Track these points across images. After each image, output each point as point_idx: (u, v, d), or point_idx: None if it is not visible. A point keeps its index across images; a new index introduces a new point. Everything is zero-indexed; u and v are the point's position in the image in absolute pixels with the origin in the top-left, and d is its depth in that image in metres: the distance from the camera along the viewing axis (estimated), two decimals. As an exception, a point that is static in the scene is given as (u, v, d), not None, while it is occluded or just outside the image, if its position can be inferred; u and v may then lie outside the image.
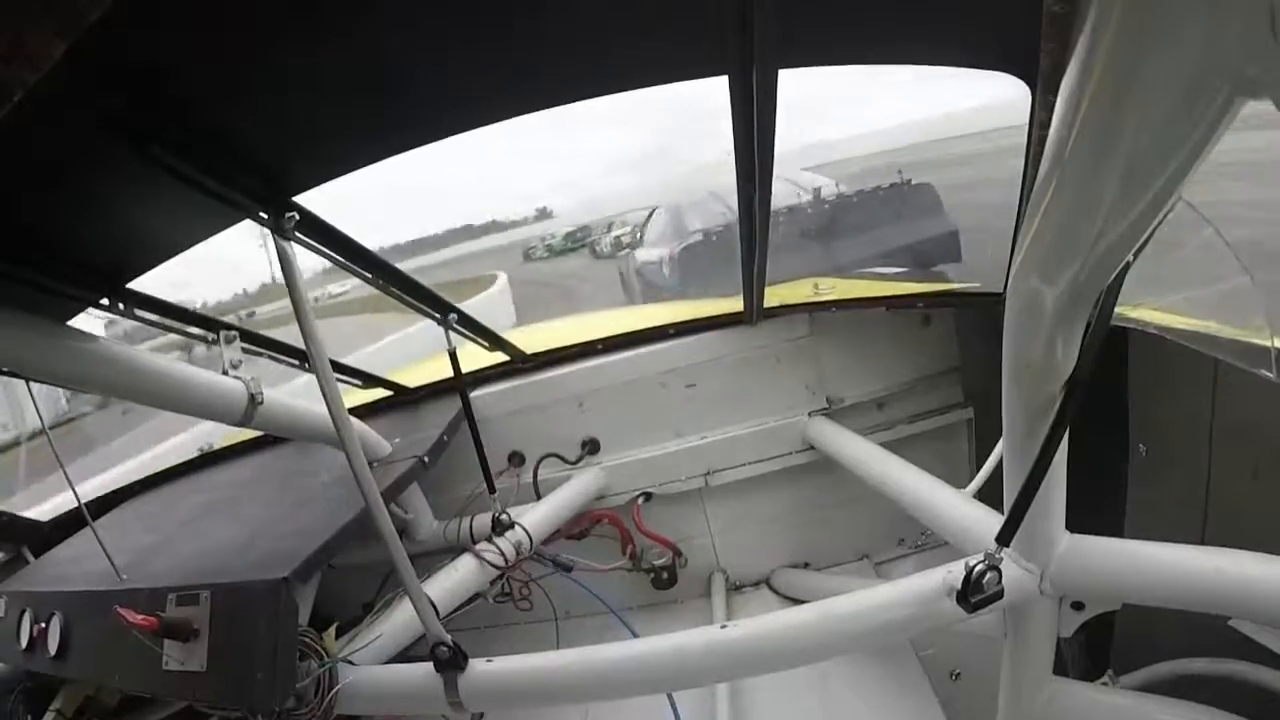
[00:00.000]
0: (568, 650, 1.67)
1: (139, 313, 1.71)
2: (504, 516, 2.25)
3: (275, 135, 1.31)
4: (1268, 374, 1.22)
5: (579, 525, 2.65)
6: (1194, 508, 1.62)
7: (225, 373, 1.86)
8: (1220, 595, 1.27)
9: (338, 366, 2.37)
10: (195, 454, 3.01)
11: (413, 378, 2.83)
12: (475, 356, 2.67)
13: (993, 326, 1.18)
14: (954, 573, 1.40)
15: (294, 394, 2.09)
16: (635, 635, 1.87)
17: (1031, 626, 1.48)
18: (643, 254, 8.03)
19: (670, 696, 1.88)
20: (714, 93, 1.41)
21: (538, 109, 1.42)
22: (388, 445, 2.35)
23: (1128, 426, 1.85)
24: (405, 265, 1.98)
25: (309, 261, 1.56)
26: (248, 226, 1.43)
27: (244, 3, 0.94)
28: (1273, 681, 1.42)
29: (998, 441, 1.53)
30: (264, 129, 1.27)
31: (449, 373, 2.21)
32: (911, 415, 2.68)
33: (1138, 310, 1.58)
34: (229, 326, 1.96)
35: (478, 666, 1.65)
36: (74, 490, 2.07)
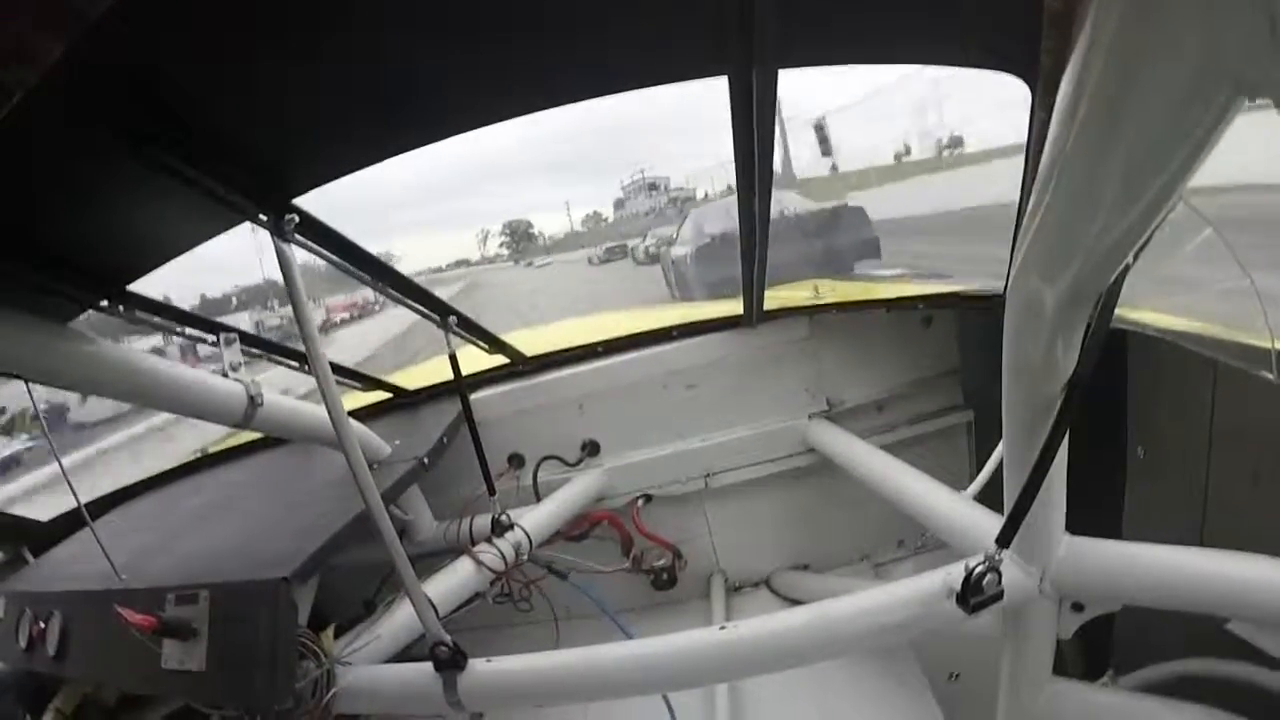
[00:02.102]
0: (567, 650, 1.67)
1: (139, 314, 1.71)
2: (504, 518, 2.25)
3: (275, 136, 1.31)
4: (1268, 375, 1.22)
5: (579, 527, 2.64)
6: (1192, 509, 1.62)
7: (225, 375, 1.86)
8: (1220, 596, 1.27)
9: (337, 369, 2.37)
10: (194, 455, 3.02)
11: (413, 380, 2.83)
12: (475, 359, 2.67)
13: (993, 328, 1.18)
14: (954, 574, 1.39)
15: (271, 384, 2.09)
16: (630, 637, 1.87)
17: (1031, 628, 1.48)
18: (675, 250, 10.13)
19: (666, 697, 1.87)
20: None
21: (538, 109, 1.42)
22: (387, 447, 2.34)
23: (1127, 428, 1.85)
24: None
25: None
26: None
27: (244, 3, 0.94)
28: (1272, 682, 1.42)
29: (998, 443, 1.53)
30: (263, 130, 1.27)
31: (449, 375, 2.21)
32: (911, 417, 2.68)
33: (1138, 312, 1.58)
34: (228, 328, 1.96)
35: (477, 666, 1.64)
36: (73, 490, 2.07)
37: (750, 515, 2.79)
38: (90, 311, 1.60)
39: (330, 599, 1.94)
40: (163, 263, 1.59)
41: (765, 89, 1.37)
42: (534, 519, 2.35)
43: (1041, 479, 1.19)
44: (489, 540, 2.18)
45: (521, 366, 2.76)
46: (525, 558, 2.26)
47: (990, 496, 1.75)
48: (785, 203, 8.14)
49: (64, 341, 1.48)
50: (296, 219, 1.41)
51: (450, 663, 1.62)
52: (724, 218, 8.58)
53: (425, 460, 2.23)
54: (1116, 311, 1.04)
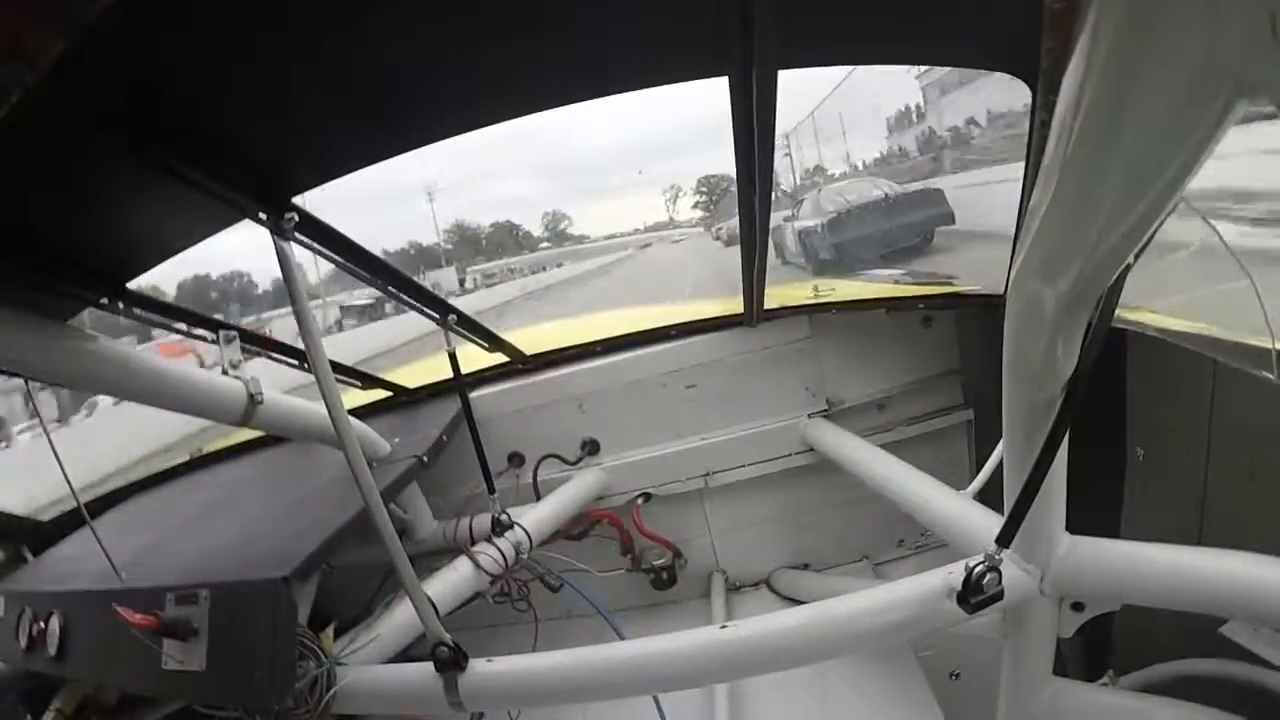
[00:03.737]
0: (568, 650, 1.67)
1: (138, 312, 1.71)
2: (503, 517, 2.25)
3: (275, 136, 1.30)
4: (1268, 375, 1.22)
5: (578, 526, 2.64)
6: (1191, 509, 1.62)
7: (225, 372, 1.86)
8: (1220, 596, 1.27)
9: (337, 367, 2.37)
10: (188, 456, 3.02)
11: (412, 378, 2.83)
12: (476, 358, 2.67)
13: (993, 328, 1.18)
14: (954, 574, 1.39)
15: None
16: (622, 638, 1.87)
17: (1031, 627, 1.48)
18: (800, 223, 11.31)
19: (656, 699, 1.87)
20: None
21: (538, 109, 1.42)
22: (387, 445, 2.34)
23: (1127, 428, 1.85)
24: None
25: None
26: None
27: (244, 3, 0.94)
28: (1271, 682, 1.42)
29: (998, 443, 1.52)
30: (263, 129, 1.27)
31: (449, 373, 2.21)
32: (911, 417, 2.68)
33: (1137, 312, 1.58)
34: (228, 326, 1.96)
35: (478, 666, 1.64)
36: (72, 490, 2.07)
37: (750, 514, 2.79)
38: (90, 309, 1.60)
39: (330, 598, 1.94)
40: (162, 260, 1.60)
41: (765, 89, 1.36)
42: (534, 518, 2.35)
43: (1041, 479, 1.19)
44: (489, 539, 2.18)
45: (521, 365, 2.76)
46: (525, 557, 2.25)
47: (990, 496, 1.75)
48: (885, 186, 10.69)
49: (64, 339, 1.48)
50: (296, 218, 1.41)
51: (451, 663, 1.62)
52: (841, 197, 10.79)
53: (425, 458, 2.23)
54: (1116, 311, 1.04)
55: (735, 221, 1.97)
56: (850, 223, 9.92)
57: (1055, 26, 0.74)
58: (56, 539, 2.45)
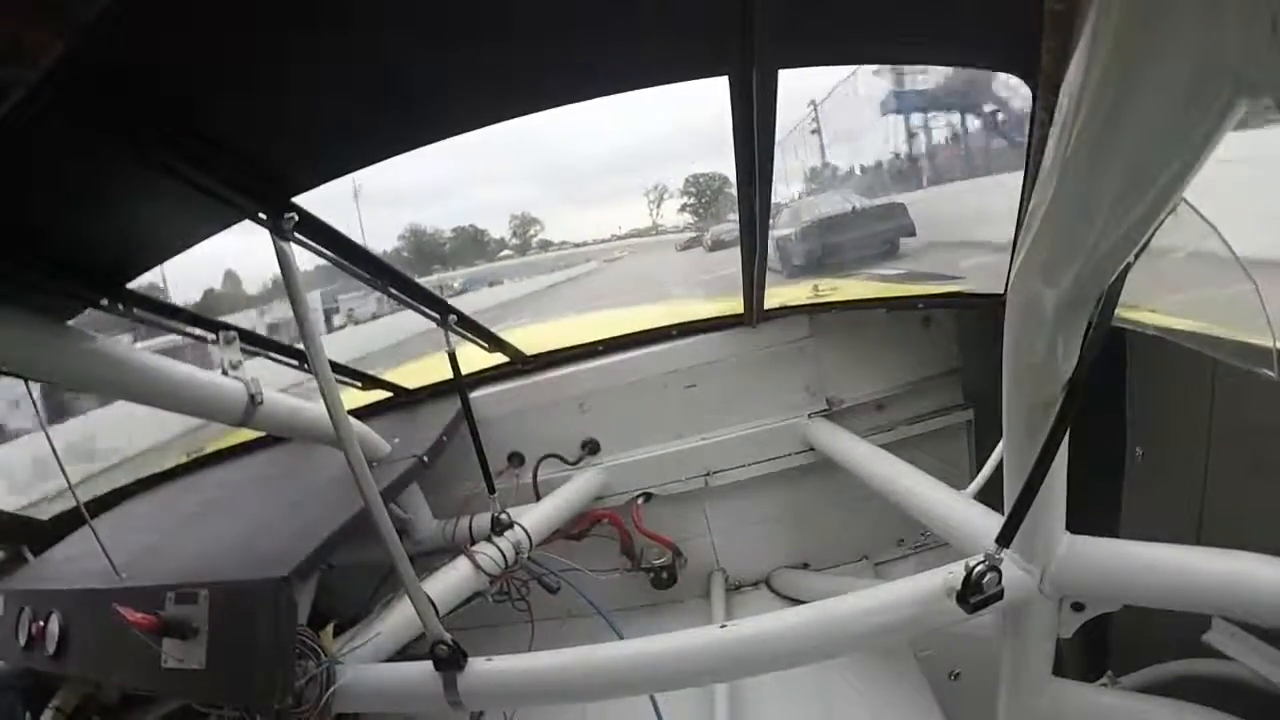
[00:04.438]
0: (567, 650, 1.67)
1: (138, 312, 1.71)
2: (503, 516, 2.25)
3: (274, 136, 1.30)
4: (1269, 373, 1.22)
5: (579, 525, 2.65)
6: (1190, 509, 1.62)
7: (225, 373, 1.86)
8: (1220, 596, 1.27)
9: (337, 368, 2.37)
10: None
11: (412, 378, 2.84)
12: (476, 358, 2.67)
13: (993, 328, 1.18)
14: (954, 573, 1.39)
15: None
16: (621, 637, 1.87)
17: (1031, 627, 1.48)
18: (776, 232, 11.18)
19: (653, 698, 1.87)
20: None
21: (538, 109, 1.43)
22: (387, 445, 2.34)
23: (1126, 428, 1.85)
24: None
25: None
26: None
27: (244, 3, 0.94)
28: (1270, 682, 1.42)
29: (998, 442, 1.53)
30: (263, 129, 1.27)
31: (449, 373, 2.21)
32: (912, 416, 2.68)
33: (1137, 312, 1.58)
34: (228, 327, 1.96)
35: (477, 665, 1.64)
36: (72, 489, 2.07)
37: (750, 514, 2.79)
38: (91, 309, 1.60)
39: (330, 598, 1.95)
40: (161, 261, 1.60)
41: (765, 89, 1.37)
42: (534, 517, 2.35)
43: (1042, 478, 1.19)
44: (489, 539, 2.18)
45: (521, 365, 2.76)
46: (526, 556, 2.26)
47: (990, 496, 1.75)
48: (854, 200, 11.42)
49: (64, 340, 1.48)
50: (295, 218, 1.41)
51: (450, 662, 1.62)
52: (815, 209, 11.39)
53: (425, 458, 2.23)
54: (1116, 311, 1.04)
55: (722, 227, 1.98)
56: (822, 231, 10.78)
57: (1055, 27, 0.74)
58: (56, 539, 2.45)
